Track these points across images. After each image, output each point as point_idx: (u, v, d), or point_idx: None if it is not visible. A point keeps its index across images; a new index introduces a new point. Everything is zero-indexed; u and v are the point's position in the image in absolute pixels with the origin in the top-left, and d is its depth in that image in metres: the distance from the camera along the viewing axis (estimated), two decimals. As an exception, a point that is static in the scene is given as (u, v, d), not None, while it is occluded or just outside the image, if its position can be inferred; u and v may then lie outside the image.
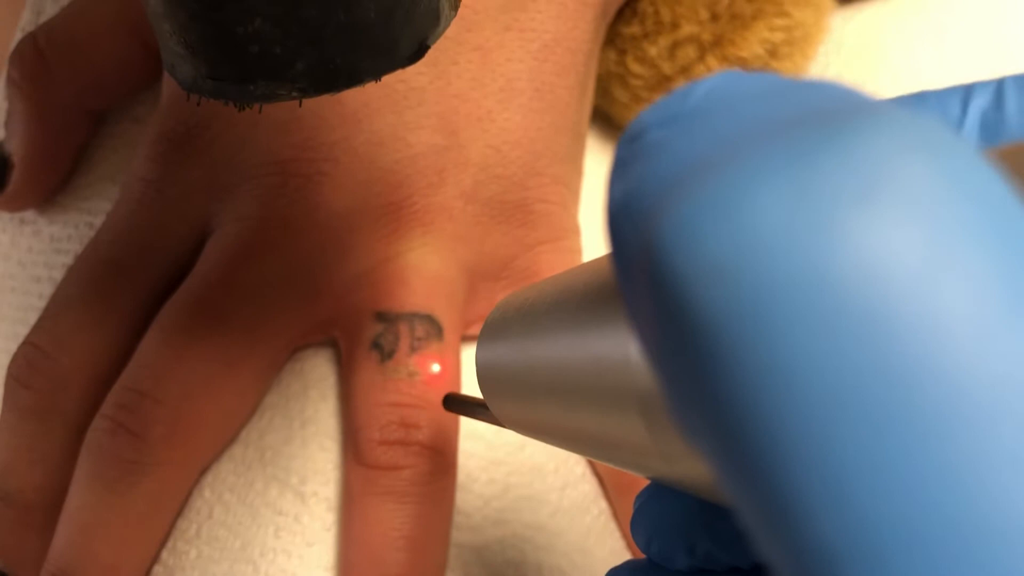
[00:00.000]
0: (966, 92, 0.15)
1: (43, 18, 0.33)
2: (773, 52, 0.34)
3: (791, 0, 0.34)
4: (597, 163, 0.35)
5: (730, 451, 0.10)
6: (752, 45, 0.34)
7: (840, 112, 0.10)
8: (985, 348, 0.09)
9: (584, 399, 0.16)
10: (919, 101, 0.16)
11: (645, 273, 0.11)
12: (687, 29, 0.33)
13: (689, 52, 0.34)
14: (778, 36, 0.34)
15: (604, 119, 0.37)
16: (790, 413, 0.09)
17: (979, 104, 0.15)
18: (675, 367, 0.11)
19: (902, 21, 0.39)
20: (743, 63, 0.34)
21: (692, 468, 0.14)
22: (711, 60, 0.34)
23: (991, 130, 0.15)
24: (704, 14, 0.33)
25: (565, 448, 0.18)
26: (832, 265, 0.09)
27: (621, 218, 0.12)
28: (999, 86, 0.15)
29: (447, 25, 0.18)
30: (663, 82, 0.35)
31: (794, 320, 0.09)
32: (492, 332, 0.19)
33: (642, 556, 0.22)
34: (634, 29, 0.34)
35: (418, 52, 0.18)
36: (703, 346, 0.10)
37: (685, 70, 0.34)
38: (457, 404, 0.26)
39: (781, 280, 0.09)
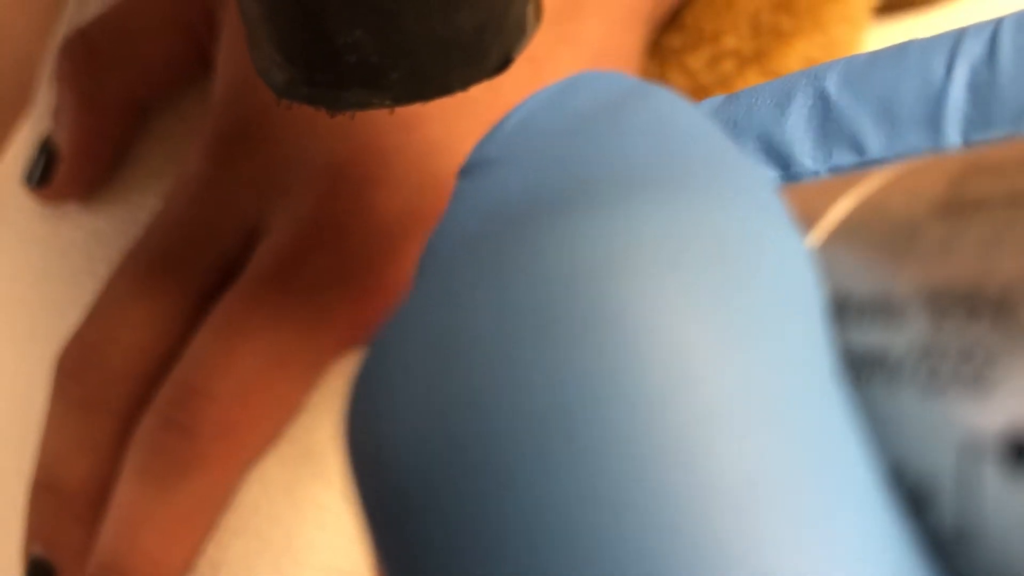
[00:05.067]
0: (955, 42, 0.12)
1: (87, 8, 0.33)
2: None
3: (830, 17, 0.34)
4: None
5: None
6: (791, 60, 0.34)
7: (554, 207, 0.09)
8: None
9: None
10: (900, 54, 0.13)
11: None
12: (728, 42, 0.34)
13: (729, 65, 0.34)
14: (816, 52, 0.34)
15: (641, 128, 0.37)
16: None
17: (968, 59, 0.12)
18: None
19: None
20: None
21: None
22: (750, 73, 0.34)
23: (982, 98, 0.12)
24: (745, 28, 0.34)
25: None
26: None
27: None
28: (994, 31, 0.12)
29: (532, 36, 0.18)
30: (699, 92, 0.35)
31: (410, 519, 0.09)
32: None
33: None
34: (675, 41, 0.34)
35: (504, 63, 0.18)
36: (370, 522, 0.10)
37: (723, 82, 0.34)
38: None
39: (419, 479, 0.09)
